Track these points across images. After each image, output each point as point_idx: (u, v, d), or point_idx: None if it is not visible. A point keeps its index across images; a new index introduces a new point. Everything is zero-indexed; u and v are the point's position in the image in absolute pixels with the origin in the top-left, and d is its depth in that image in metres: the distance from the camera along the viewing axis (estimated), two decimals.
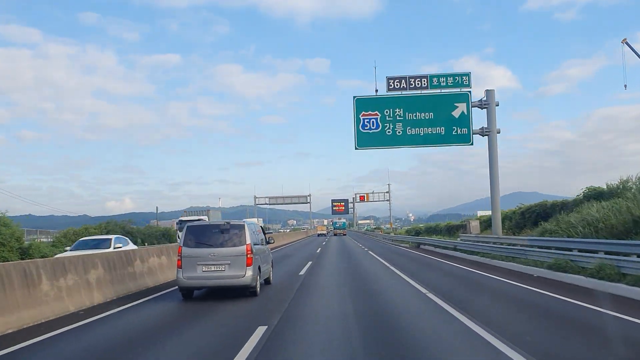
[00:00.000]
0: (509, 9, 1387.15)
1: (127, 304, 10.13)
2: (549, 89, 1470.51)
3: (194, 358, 6.13)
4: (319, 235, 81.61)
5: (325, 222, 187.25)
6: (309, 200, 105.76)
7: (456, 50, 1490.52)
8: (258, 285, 10.84)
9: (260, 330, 7.10)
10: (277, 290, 11.94)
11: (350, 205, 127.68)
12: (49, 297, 8.84)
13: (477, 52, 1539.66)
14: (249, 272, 10.29)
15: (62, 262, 9.73)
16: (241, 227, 10.67)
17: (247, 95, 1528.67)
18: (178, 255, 10.31)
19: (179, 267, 10.26)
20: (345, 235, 79.77)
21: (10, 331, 7.56)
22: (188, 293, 10.58)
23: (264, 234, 13.24)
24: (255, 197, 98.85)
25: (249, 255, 10.32)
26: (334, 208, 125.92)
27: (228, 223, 10.87)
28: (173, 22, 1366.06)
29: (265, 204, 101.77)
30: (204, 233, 10.72)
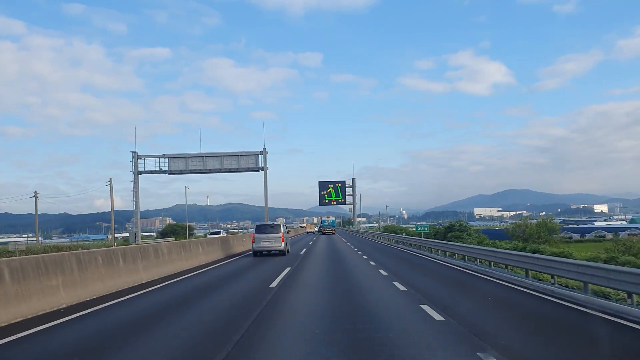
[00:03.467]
0: (507, 0, 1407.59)
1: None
2: (543, 84, 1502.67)
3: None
4: (307, 233, 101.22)
5: (315, 220, 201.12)
6: (262, 164, 56.41)
7: (452, 44, 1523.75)
8: (286, 251, 25.92)
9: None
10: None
11: (349, 191, 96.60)
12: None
13: (473, 46, 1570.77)
14: (283, 244, 25.24)
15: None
16: (279, 225, 25.91)
17: (237, 90, 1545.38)
18: (252, 237, 25.28)
19: (253, 242, 25.17)
20: (334, 234, 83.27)
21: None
22: (256, 254, 25.36)
23: (286, 227, 28.36)
24: (134, 154, 59.11)
25: (282, 237, 25.24)
26: (321, 193, 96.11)
27: (274, 223, 25.98)
28: (161, 13, 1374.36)
29: (171, 172, 57.98)
30: (263, 227, 25.70)
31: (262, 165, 56.54)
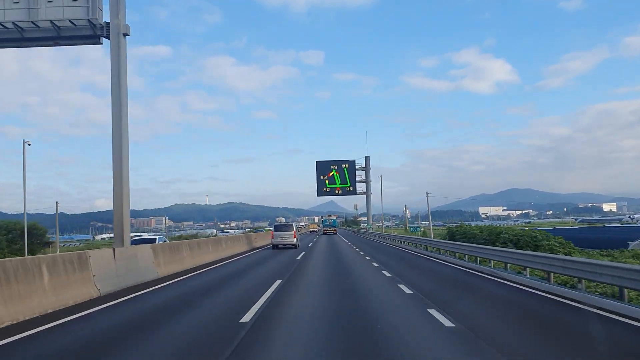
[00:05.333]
0: None
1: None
2: (547, 82, 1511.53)
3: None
4: (311, 232, 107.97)
5: (316, 219, 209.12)
6: (107, 18, 16.56)
7: (455, 41, 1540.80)
8: (297, 245, 34.06)
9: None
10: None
11: (359, 173, 74.23)
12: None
13: (477, 44, 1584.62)
14: (295, 240, 33.41)
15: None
16: (292, 225, 34.73)
17: (239, 89, 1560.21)
18: (272, 234, 33.94)
19: (272, 237, 33.54)
20: (335, 233, 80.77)
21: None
22: (275, 247, 33.25)
23: (296, 226, 37.35)
24: None
25: (294, 233, 33.70)
26: (321, 178, 73.51)
27: (288, 223, 35.16)
28: (162, 10, 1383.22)
29: None
30: (280, 227, 34.24)
31: (108, 21, 16.85)
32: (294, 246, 33.90)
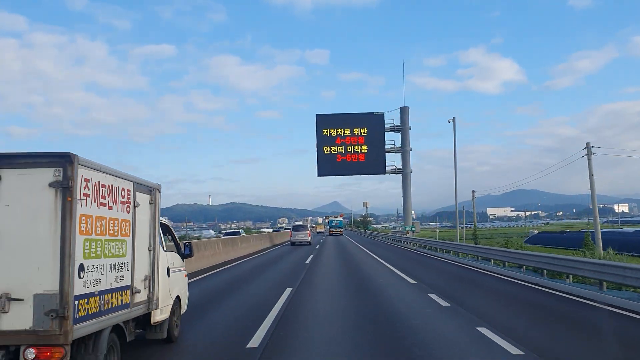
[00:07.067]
0: None
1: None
2: (555, 82, 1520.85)
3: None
4: (318, 232, 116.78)
5: (320, 219, 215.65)
6: None
7: (463, 40, 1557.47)
8: (311, 242, 47.27)
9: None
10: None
11: (389, 137, 51.12)
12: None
13: (485, 43, 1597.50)
14: (309, 238, 47.30)
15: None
16: (307, 225, 48.97)
17: (243, 89, 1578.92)
18: (290, 233, 46.25)
19: (290, 236, 46.59)
20: (341, 234, 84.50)
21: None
22: (292, 244, 46.09)
23: (309, 227, 47.31)
24: None
25: (309, 233, 46.64)
26: (324, 150, 49.89)
27: (304, 224, 47.66)
28: (166, 9, 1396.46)
29: None
30: (297, 227, 47.61)
31: None
32: (309, 243, 43.64)
